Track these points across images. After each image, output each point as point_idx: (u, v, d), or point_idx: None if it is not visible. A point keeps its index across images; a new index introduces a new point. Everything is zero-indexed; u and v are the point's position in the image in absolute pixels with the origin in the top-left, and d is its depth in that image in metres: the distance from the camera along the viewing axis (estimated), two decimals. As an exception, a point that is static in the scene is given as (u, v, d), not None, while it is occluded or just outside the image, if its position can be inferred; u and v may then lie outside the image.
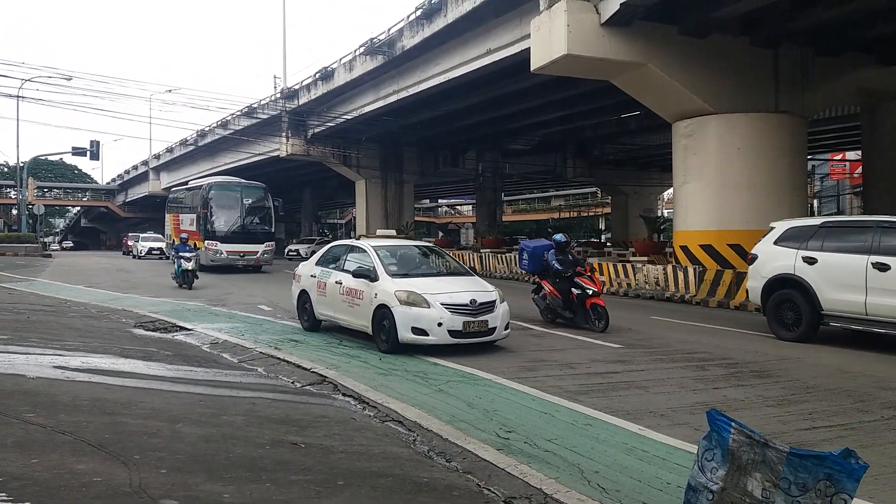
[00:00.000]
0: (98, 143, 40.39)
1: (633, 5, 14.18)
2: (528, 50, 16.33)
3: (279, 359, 8.39)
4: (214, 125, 41.69)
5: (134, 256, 41.49)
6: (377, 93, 27.57)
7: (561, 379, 7.47)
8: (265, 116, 35.59)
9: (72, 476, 3.64)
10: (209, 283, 20.60)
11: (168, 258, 34.21)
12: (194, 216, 27.47)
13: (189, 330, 10.80)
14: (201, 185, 28.13)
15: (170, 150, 54.82)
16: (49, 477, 3.59)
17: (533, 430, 5.44)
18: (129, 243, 47.86)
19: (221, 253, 25.54)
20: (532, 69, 16.13)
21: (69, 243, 79.80)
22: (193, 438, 4.62)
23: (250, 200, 26.99)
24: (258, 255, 26.16)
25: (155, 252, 40.64)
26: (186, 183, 33.01)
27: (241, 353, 8.86)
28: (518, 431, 5.41)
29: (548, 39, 15.27)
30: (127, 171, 72.43)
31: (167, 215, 33.46)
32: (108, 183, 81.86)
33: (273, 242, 28.24)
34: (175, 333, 10.56)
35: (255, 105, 36.32)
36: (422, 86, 24.50)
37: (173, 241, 29.02)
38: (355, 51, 26.93)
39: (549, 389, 6.89)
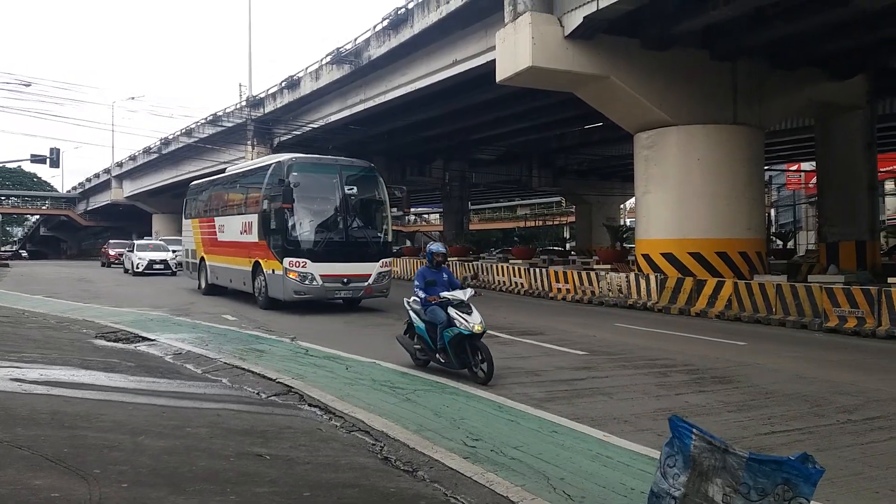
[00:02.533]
0: (58, 150, 39.29)
1: (596, 19, 14.43)
2: (493, 62, 16.47)
3: (244, 369, 8.27)
4: (178, 133, 41.12)
5: (126, 271, 31.61)
6: (344, 102, 27.50)
7: (526, 386, 7.53)
8: (230, 124, 35.21)
9: (29, 492, 3.55)
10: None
11: (173, 273, 27.50)
12: (254, 219, 16.60)
13: (152, 340, 10.60)
14: (268, 165, 16.53)
15: (133, 158, 53.92)
16: (5, 493, 3.50)
17: (499, 438, 5.47)
18: (112, 252, 38.11)
19: (313, 279, 14.93)
20: (497, 80, 16.29)
21: (24, 252, 75.33)
22: (156, 451, 4.53)
23: (355, 188, 15.86)
24: (370, 280, 15.44)
25: (158, 266, 30.30)
26: (196, 179, 24.20)
27: (205, 364, 8.73)
28: (485, 439, 5.43)
29: (513, 51, 15.44)
30: (88, 180, 71.00)
31: (187, 221, 22.59)
32: (69, 191, 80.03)
33: (390, 259, 16.68)
34: (137, 344, 10.36)
35: (220, 113, 35.93)
36: (388, 95, 24.51)
37: (203, 258, 20.26)
38: (321, 60, 26.83)
39: (516, 397, 6.94)
